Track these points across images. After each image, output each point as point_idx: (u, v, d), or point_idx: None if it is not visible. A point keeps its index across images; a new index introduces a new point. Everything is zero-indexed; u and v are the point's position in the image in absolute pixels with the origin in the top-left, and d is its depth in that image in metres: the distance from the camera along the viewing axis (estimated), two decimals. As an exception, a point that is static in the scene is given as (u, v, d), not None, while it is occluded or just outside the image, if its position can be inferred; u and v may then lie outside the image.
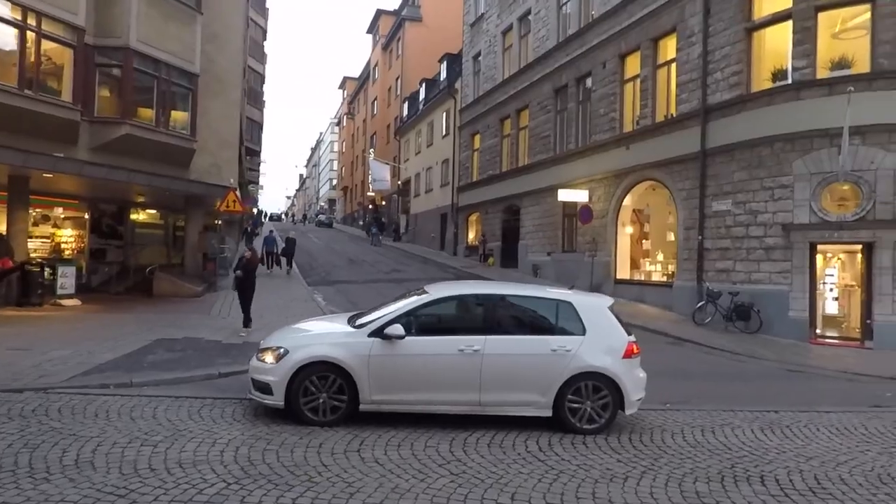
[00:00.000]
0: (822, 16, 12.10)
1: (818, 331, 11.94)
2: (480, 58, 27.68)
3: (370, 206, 48.24)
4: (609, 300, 6.29)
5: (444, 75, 33.51)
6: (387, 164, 40.65)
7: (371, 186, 42.61)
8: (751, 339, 11.85)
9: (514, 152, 23.93)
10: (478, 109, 27.37)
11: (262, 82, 35.38)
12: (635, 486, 4.34)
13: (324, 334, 6.08)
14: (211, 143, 15.49)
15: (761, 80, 12.97)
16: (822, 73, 11.95)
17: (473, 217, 28.22)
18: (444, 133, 32.33)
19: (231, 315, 11.15)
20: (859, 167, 11.27)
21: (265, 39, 36.11)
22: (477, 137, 27.87)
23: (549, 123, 20.95)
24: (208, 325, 10.78)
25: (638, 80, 16.52)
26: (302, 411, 5.42)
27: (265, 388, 5.53)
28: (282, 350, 5.59)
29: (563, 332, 5.78)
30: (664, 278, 15.42)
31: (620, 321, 5.96)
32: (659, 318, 13.98)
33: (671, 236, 15.19)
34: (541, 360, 5.57)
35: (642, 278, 16.38)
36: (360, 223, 49.82)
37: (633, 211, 17.06)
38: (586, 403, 5.61)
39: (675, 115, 14.97)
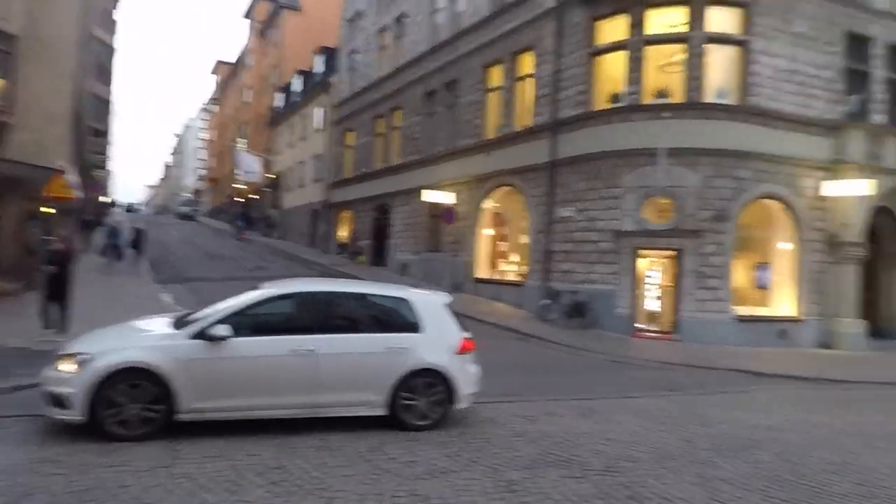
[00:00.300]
0: (649, 49, 14.06)
1: (640, 325, 13.79)
2: (357, 54, 27.82)
3: (240, 200, 45.92)
4: (446, 297, 6.38)
5: (320, 68, 33.09)
6: (257, 155, 39.03)
7: (239, 178, 40.62)
8: (585, 334, 13.36)
9: (387, 152, 24.44)
10: (353, 106, 27.47)
11: (112, 55, 32.14)
12: (455, 479, 4.52)
13: (137, 337, 5.60)
14: (34, 117, 13.65)
15: (601, 101, 14.72)
16: (648, 99, 13.91)
17: (345, 214, 28.22)
18: (318, 127, 31.91)
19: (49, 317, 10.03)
20: (673, 184, 13.28)
21: (115, 7, 32.84)
22: (351, 134, 27.96)
23: (420, 126, 21.73)
24: (19, 328, 9.41)
25: (500, 91, 17.82)
26: (108, 426, 4.91)
27: (62, 401, 4.93)
28: (85, 356, 5.03)
29: (400, 329, 5.89)
30: (518, 278, 16.77)
31: (455, 318, 6.19)
32: (512, 315, 15.22)
33: (525, 239, 16.58)
34: (377, 358, 5.62)
35: (499, 278, 17.64)
36: (229, 217, 47.22)
37: (493, 214, 18.32)
38: (420, 400, 5.73)
39: (531, 127, 16.39)
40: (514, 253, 17.55)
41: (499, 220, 18.34)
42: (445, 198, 18.56)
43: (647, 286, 13.96)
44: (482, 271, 18.11)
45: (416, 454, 5.11)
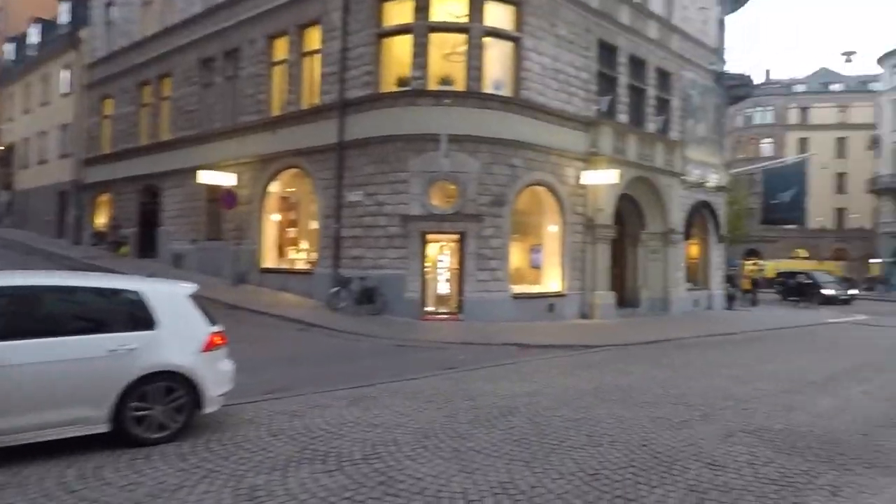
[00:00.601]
0: (434, 36, 14.61)
1: (429, 308, 14.43)
2: (114, 6, 24.05)
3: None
4: (190, 287, 5.78)
5: (65, 18, 27.89)
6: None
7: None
8: (375, 320, 13.51)
9: (156, 125, 21.68)
10: (111, 68, 23.75)
11: None
12: (187, 496, 4.11)
13: None
14: None
15: (389, 83, 14.91)
16: (433, 85, 14.47)
17: (104, 198, 24.41)
18: (65, 91, 26.94)
19: None
20: (457, 169, 14.08)
21: None
22: (109, 102, 24.21)
23: (195, 97, 19.68)
24: None
25: (286, 65, 16.95)
26: None
27: None
28: None
29: (128, 327, 5.16)
30: (308, 266, 16.29)
31: (204, 310, 5.64)
32: (298, 305, 14.70)
33: (314, 225, 16.13)
34: (94, 364, 4.84)
35: (288, 267, 16.93)
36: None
37: (281, 198, 17.48)
38: (156, 409, 5.10)
39: (318, 105, 15.90)
40: (304, 240, 16.99)
41: (287, 204, 17.55)
42: (225, 179, 17.14)
43: (438, 270, 14.66)
44: (269, 260, 17.18)
45: (144, 474, 4.48)
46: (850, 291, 29.66)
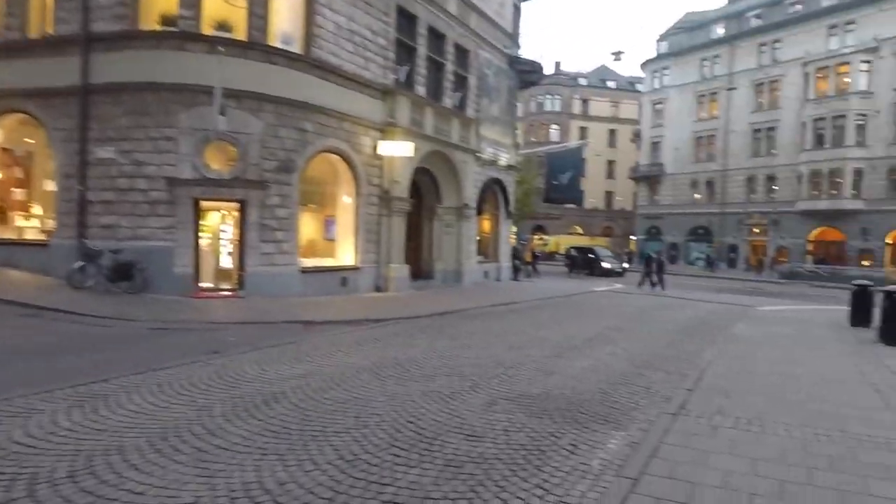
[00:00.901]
0: (209, -28, 12.88)
1: (204, 284, 13.00)
2: None
3: None
4: None
5: None
6: None
7: None
8: (132, 300, 11.72)
9: None
10: None
11: None
12: None
13: None
14: None
15: (150, 20, 12.82)
16: (207, 29, 12.80)
17: None
18: None
19: None
20: (235, 129, 12.73)
21: None
22: None
23: None
24: None
25: (6, -20, 13.59)
26: None
27: None
28: None
29: None
30: (42, 236, 13.51)
31: None
32: (27, 284, 12.12)
33: (51, 185, 13.37)
34: None
35: (14, 237, 13.85)
36: None
37: (2, 150, 14.13)
38: None
39: (52, 36, 13.06)
40: (37, 203, 14.03)
41: (10, 159, 14.28)
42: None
43: (221, 241, 13.27)
44: (-14, 229, 13.85)
45: None
46: (624, 265, 34.75)
